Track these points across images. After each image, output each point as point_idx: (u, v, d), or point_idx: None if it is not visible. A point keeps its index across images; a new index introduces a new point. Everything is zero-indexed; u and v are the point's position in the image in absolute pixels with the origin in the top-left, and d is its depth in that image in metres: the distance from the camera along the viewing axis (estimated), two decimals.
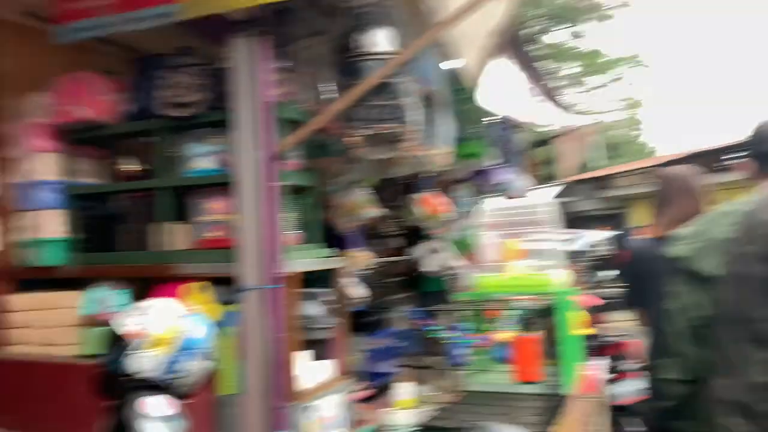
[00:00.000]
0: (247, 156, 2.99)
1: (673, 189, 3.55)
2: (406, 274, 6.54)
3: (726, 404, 1.20)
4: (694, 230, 1.55)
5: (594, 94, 20.58)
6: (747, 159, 1.73)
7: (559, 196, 11.55)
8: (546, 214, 3.19)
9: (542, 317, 2.96)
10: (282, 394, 2.87)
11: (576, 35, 18.67)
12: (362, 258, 3.79)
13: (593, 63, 20.00)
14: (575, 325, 3.47)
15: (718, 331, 1.24)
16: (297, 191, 3.34)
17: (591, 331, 4.11)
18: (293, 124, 3.17)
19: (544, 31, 18.60)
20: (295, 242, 3.23)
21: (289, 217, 3.22)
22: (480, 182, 5.68)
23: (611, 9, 18.66)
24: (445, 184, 5.23)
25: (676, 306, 1.45)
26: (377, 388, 3.64)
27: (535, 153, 7.23)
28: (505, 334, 2.63)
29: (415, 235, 5.38)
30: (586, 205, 12.86)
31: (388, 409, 3.34)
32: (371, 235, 5.80)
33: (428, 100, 3.58)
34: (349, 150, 3.15)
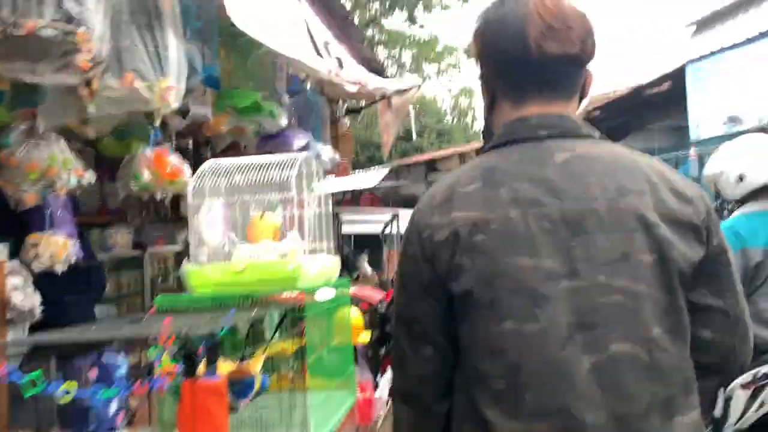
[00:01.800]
0: None
1: None
2: None
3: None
4: None
5: (428, 78, 20.24)
6: None
7: (387, 179, 10.75)
8: (304, 179, 2.15)
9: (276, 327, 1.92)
10: None
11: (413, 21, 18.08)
12: (54, 245, 2.53)
13: (431, 50, 19.66)
14: (345, 332, 2.47)
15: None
16: None
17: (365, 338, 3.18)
18: None
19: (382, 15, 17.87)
20: None
21: None
22: (272, 150, 4.61)
23: None
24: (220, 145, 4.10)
25: None
26: None
27: (347, 123, 6.22)
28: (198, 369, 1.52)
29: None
30: (417, 189, 12.28)
31: None
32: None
33: (148, 12, 2.43)
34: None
